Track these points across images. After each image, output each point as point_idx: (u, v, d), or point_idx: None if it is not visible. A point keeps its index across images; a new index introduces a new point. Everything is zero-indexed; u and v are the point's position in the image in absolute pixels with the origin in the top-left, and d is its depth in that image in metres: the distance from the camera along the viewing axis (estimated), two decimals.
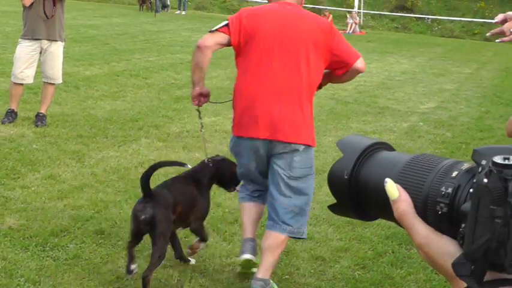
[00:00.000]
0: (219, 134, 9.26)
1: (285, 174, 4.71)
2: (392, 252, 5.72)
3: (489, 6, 38.60)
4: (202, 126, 5.80)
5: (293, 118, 4.67)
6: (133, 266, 4.56)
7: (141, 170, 7.23)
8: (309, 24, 4.77)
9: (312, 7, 36.42)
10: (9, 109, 8.99)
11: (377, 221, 6.11)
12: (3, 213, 5.79)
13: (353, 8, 34.67)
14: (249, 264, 4.94)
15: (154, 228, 4.54)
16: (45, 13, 8.72)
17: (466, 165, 0.94)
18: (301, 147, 4.68)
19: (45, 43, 8.88)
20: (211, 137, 9.10)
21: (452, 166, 0.96)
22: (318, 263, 5.40)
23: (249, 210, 5.05)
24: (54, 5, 8.79)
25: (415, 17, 36.77)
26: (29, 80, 9.01)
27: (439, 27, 36.30)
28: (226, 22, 4.93)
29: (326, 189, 7.20)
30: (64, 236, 5.43)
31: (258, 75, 4.74)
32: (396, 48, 24.64)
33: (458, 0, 40.25)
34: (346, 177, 1.04)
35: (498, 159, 0.87)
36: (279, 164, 4.71)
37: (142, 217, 4.54)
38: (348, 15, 33.42)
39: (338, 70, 4.84)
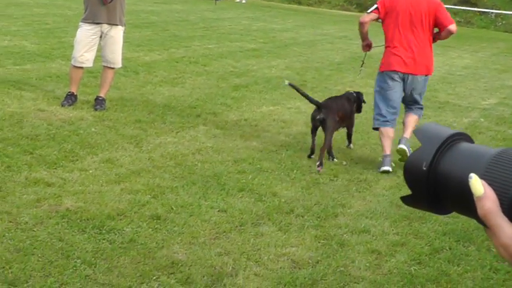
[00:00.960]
0: (277, 124, 9.22)
1: (418, 93, 7.94)
2: (450, 248, 5.62)
3: None
4: (362, 64, 9.33)
5: (422, 59, 7.74)
6: (312, 156, 7.63)
7: (199, 157, 7.28)
8: (427, 2, 7.65)
9: None
10: (69, 92, 9.06)
11: (434, 217, 6.05)
12: (61, 194, 5.83)
13: None
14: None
15: (325, 125, 7.47)
16: (103, 1, 8.77)
17: None
18: (424, 76, 7.85)
19: (105, 27, 8.92)
20: (269, 126, 9.07)
21: None
22: (374, 256, 5.33)
23: (386, 133, 7.76)
24: None
25: (478, 12, 36.19)
26: (89, 64, 9.07)
27: (503, 22, 35.69)
28: (376, 6, 7.82)
29: (383, 182, 7.14)
30: (120, 219, 5.45)
31: (401, 37, 7.71)
32: (458, 43, 24.25)
33: None
34: (424, 168, 0.99)
35: None
36: (412, 90, 7.85)
37: (317, 117, 7.52)
38: None
39: (440, 29, 7.73)
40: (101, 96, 9.05)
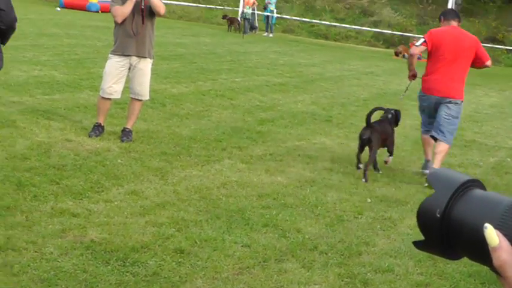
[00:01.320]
0: (302, 159, 9.22)
1: (448, 113, 8.99)
2: None
3: None
4: (406, 90, 10.63)
5: (456, 87, 9.02)
6: (360, 165, 8.78)
7: (223, 191, 7.29)
8: (469, 39, 9.07)
9: (401, 34, 36.24)
10: (97, 123, 9.14)
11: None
12: (86, 226, 5.86)
13: None
14: None
15: (370, 143, 8.66)
16: (133, 30, 8.87)
17: None
18: (457, 101, 9.03)
19: (134, 59, 9.01)
20: (294, 161, 9.07)
21: None
22: None
23: (428, 140, 9.33)
24: (142, 23, 8.93)
25: (506, 50, 36.11)
26: (117, 95, 9.16)
27: None
28: (423, 40, 9.07)
29: (408, 221, 7.10)
30: (144, 252, 5.47)
31: (443, 67, 8.91)
32: (485, 81, 24.18)
33: None
34: (438, 215, 1.00)
35: None
36: (445, 109, 9.00)
37: (364, 137, 8.68)
38: None
39: (477, 63, 9.09)
40: (127, 128, 9.12)
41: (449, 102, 8.97)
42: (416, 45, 9.23)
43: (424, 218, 1.03)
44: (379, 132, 8.83)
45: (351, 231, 6.61)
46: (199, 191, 7.25)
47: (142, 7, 8.88)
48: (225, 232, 6.12)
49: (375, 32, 37.71)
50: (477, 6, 42.62)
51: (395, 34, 36.94)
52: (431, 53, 9.02)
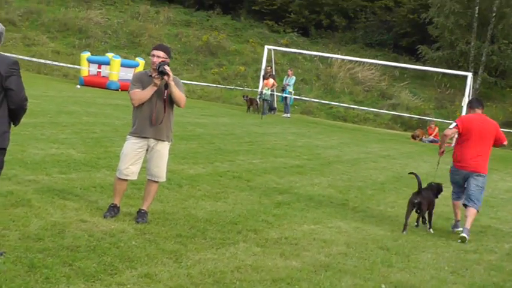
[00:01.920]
0: (317, 243, 9.18)
1: (476, 184, 11.13)
2: None
3: None
4: (438, 164, 12.46)
5: (482, 163, 11.17)
6: (404, 232, 10.60)
7: (237, 275, 7.26)
8: (491, 124, 11.39)
9: (419, 118, 36.38)
10: (112, 204, 9.17)
11: None
12: None
13: None
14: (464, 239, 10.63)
15: (420, 207, 10.91)
16: (154, 119, 8.94)
17: None
18: (483, 174, 11.17)
19: (152, 141, 9.08)
20: (309, 245, 9.03)
21: None
22: None
23: (458, 205, 11.50)
24: (164, 112, 9.02)
25: None
26: (134, 177, 9.21)
27: None
28: (455, 124, 11.35)
29: None
30: None
31: (471, 146, 11.14)
32: (501, 165, 24.17)
33: None
34: None
35: None
36: (473, 180, 11.16)
37: (415, 201, 10.83)
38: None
39: (497, 143, 11.36)
40: (143, 209, 9.14)
41: (478, 175, 11.17)
42: (450, 128, 11.63)
43: None
44: (426, 198, 11.05)
45: None
46: (213, 274, 7.21)
47: (165, 97, 9.00)
48: None
49: (393, 114, 37.89)
50: (494, 90, 42.88)
51: (413, 117, 37.08)
52: (462, 135, 11.31)
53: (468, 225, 10.84)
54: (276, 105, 36.09)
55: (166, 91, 8.93)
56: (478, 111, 11.45)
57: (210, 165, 14.66)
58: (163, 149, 9.14)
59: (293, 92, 36.01)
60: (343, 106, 38.77)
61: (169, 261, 7.47)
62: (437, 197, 11.47)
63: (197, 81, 39.80)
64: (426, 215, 11.22)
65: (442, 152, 11.69)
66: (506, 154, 30.87)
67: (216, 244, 8.43)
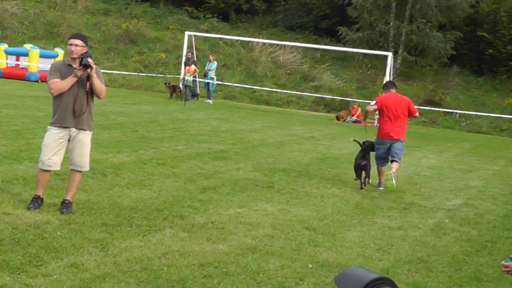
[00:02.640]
0: (244, 226, 9.23)
1: (399, 148, 13.80)
2: None
3: None
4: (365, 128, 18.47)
5: (400, 132, 13.79)
6: (364, 186, 13.51)
7: (164, 261, 7.25)
8: (403, 100, 13.96)
9: (341, 99, 36.79)
10: (36, 195, 9.05)
11: None
12: None
13: None
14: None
15: (366, 168, 13.50)
16: (75, 110, 8.85)
17: None
18: (402, 140, 13.80)
19: (73, 131, 8.97)
20: (235, 228, 9.08)
21: None
22: None
23: (382, 170, 13.75)
24: (87, 102, 8.94)
25: (443, 112, 36.90)
26: (56, 167, 9.09)
27: (467, 122, 36.39)
28: (375, 101, 14.01)
29: None
30: None
31: (391, 120, 13.67)
32: (424, 143, 24.65)
33: (486, 96, 40.46)
34: None
35: None
36: (396, 145, 13.72)
37: (362, 163, 13.44)
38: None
39: (410, 115, 14.02)
40: (67, 200, 9.04)
41: (399, 141, 13.85)
42: (371, 105, 14.37)
43: None
44: (368, 160, 13.63)
45: None
46: (140, 261, 7.20)
47: (87, 89, 8.90)
48: None
49: (315, 97, 38.20)
50: (415, 69, 43.66)
51: (336, 99, 37.49)
52: (381, 111, 13.95)
53: (394, 170, 13.52)
54: (198, 91, 36.02)
55: (88, 82, 8.85)
56: (392, 90, 14.21)
57: (134, 153, 14.57)
58: (85, 138, 9.05)
59: (215, 77, 35.98)
60: (265, 90, 38.92)
61: (96, 250, 7.42)
62: (373, 150, 13.96)
63: (118, 70, 39.43)
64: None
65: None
66: (428, 132, 31.54)
67: (143, 231, 8.40)
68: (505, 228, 10.81)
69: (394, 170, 13.48)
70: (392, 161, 13.80)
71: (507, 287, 7.54)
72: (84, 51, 8.87)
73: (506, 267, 5.54)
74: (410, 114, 14.01)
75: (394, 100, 13.87)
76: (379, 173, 13.93)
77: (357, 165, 13.57)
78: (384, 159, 13.94)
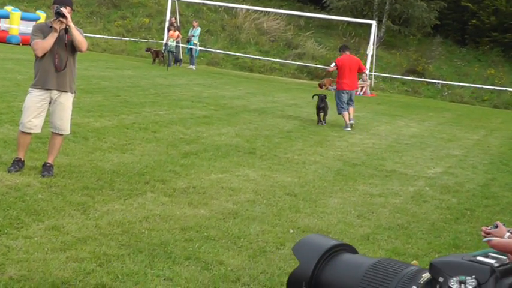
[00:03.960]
0: (225, 191, 9.25)
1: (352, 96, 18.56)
2: None
3: (499, 73, 38.84)
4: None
5: (355, 84, 19.17)
6: (319, 123, 18.13)
7: (146, 225, 7.25)
8: (354, 59, 18.64)
9: (324, 67, 36.75)
10: (16, 158, 9.01)
11: None
12: (5, 263, 5.77)
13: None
14: None
15: (325, 110, 18.16)
16: (56, 65, 8.81)
17: (425, 276, 0.93)
18: (352, 91, 18.58)
19: (55, 93, 8.92)
20: (217, 193, 9.09)
21: (413, 276, 0.95)
22: None
23: (346, 114, 17.90)
24: (66, 58, 8.88)
25: (425, 81, 36.95)
26: (37, 130, 9.05)
27: (449, 92, 36.46)
28: (334, 63, 18.30)
29: None
30: None
31: (347, 76, 18.08)
32: (406, 112, 24.72)
33: (468, 67, 40.53)
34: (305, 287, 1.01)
35: (454, 283, 0.86)
36: (352, 94, 18.45)
37: (321, 106, 18.04)
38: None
39: (359, 71, 19.20)
40: (48, 163, 9.01)
41: (355, 90, 18.50)
42: (331, 66, 18.80)
43: None
44: (326, 103, 17.93)
45: (273, 262, 6.65)
46: (121, 225, 7.20)
47: (66, 42, 8.85)
48: (147, 266, 6.10)
49: (298, 64, 38.14)
50: (398, 39, 43.60)
51: (319, 67, 37.43)
52: (339, 69, 18.07)
53: (352, 116, 18.12)
54: (181, 57, 35.87)
55: (67, 35, 8.79)
56: (347, 53, 18.53)
57: (116, 118, 14.52)
58: (66, 101, 9.00)
59: (198, 43, 35.83)
60: (249, 57, 38.80)
61: (77, 213, 7.42)
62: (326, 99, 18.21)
63: (101, 34, 39.14)
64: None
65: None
66: (410, 101, 31.60)
67: (124, 195, 8.40)
68: (484, 197, 10.89)
69: (351, 111, 18.11)
70: (349, 106, 18.16)
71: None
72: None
73: (487, 234, 5.58)
74: (360, 70, 19.03)
75: (349, 60, 18.28)
76: (344, 117, 17.93)
77: (317, 108, 18.10)
78: (346, 104, 17.98)
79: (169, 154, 11.37)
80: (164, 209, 7.99)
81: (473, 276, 0.84)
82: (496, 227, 5.52)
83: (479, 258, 0.88)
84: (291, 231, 7.77)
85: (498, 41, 41.27)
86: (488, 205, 10.36)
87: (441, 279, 0.87)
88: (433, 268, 0.90)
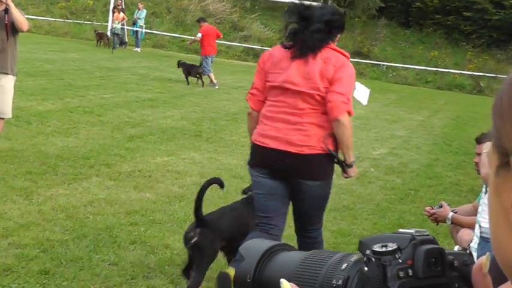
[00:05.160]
0: (171, 174, 9.22)
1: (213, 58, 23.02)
2: None
3: (442, 55, 39.32)
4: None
5: (216, 48, 23.44)
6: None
7: (90, 209, 7.19)
8: (213, 28, 23.52)
9: (261, 48, 36.76)
10: None
11: None
12: None
13: None
14: None
15: (201, 74, 21.11)
16: None
17: (355, 257, 0.97)
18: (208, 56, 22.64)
19: None
20: (163, 177, 9.06)
21: (342, 259, 0.98)
22: None
23: (212, 75, 21.64)
24: (7, 39, 8.71)
25: (370, 63, 37.23)
26: None
27: (394, 74, 36.80)
28: (201, 34, 22.36)
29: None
30: (7, 275, 5.33)
31: (211, 42, 22.67)
32: None
33: (413, 49, 40.95)
34: (249, 280, 1.08)
35: (377, 247, 0.91)
36: (214, 57, 22.96)
37: (199, 71, 21.32)
38: None
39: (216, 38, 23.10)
40: None
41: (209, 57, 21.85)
42: (198, 36, 21.95)
43: (238, 282, 1.10)
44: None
45: None
46: (65, 210, 7.13)
47: (6, 22, 8.69)
48: (92, 251, 6.05)
49: (245, 47, 38.10)
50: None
51: (265, 49, 37.40)
52: (205, 37, 21.56)
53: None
54: (127, 40, 35.55)
55: (7, 15, 8.62)
56: (206, 23, 22.72)
57: (60, 101, 14.34)
58: (6, 83, 8.82)
59: (144, 25, 35.55)
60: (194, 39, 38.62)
61: (20, 198, 7.32)
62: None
63: (44, 16, 38.54)
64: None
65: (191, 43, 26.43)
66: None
67: (68, 180, 8.31)
68: (427, 177, 11.03)
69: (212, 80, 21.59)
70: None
71: (429, 233, 7.70)
72: None
73: (432, 214, 5.68)
74: (218, 36, 23.16)
75: (210, 29, 22.64)
76: (210, 77, 21.42)
77: (191, 72, 21.40)
78: (210, 67, 21.34)
79: (115, 138, 11.28)
80: (109, 193, 7.94)
81: (395, 243, 0.90)
82: (441, 206, 5.65)
83: (401, 230, 0.95)
84: None
85: (441, 23, 41.78)
86: (431, 185, 10.49)
87: (368, 252, 0.92)
88: (361, 245, 0.94)
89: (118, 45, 33.69)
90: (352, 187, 9.78)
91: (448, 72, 35.69)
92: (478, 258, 0.91)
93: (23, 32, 8.91)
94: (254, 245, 1.11)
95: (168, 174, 9.27)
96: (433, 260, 0.93)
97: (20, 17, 8.69)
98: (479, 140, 5.15)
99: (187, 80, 21.42)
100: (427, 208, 5.80)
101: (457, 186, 10.67)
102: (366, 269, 0.90)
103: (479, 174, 4.89)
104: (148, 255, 6.13)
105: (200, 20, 23.34)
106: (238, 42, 38.60)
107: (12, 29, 8.78)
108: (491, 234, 0.87)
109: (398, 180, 10.65)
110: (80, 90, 16.53)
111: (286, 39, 5.06)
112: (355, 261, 0.96)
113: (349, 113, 4.97)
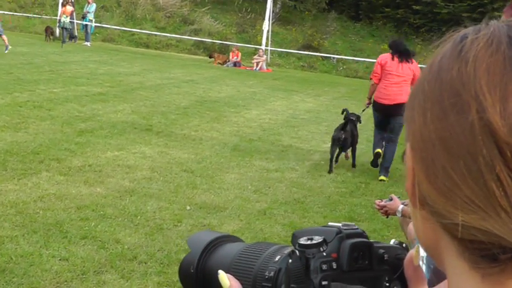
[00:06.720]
0: (121, 169, 9.19)
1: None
2: None
3: None
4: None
5: None
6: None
7: (40, 205, 7.15)
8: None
9: (221, 43, 36.77)
10: None
11: None
12: None
13: (261, 45, 35.05)
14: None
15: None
16: None
17: (288, 249, 1.01)
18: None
19: None
20: (113, 171, 9.03)
21: (277, 251, 1.02)
22: None
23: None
24: None
25: (321, 56, 37.40)
26: None
27: (344, 67, 37.03)
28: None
29: (227, 226, 7.25)
30: None
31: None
32: (302, 87, 24.98)
33: (363, 42, 41.24)
34: (192, 271, 1.11)
35: (302, 240, 0.95)
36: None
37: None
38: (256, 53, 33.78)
39: None
40: None
41: None
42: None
43: (182, 274, 1.15)
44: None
45: (170, 239, 6.68)
46: (15, 205, 7.08)
47: None
48: (42, 246, 6.03)
49: (195, 40, 38.02)
50: (294, 14, 43.95)
51: (215, 43, 37.40)
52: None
53: None
54: (76, 34, 35.24)
55: None
56: None
57: (8, 96, 14.18)
58: None
59: (94, 19, 35.27)
60: (145, 33, 38.44)
61: None
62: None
63: None
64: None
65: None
66: (306, 76, 31.95)
67: (18, 175, 8.25)
68: (378, 170, 11.15)
69: None
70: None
71: (379, 225, 7.82)
72: None
73: (382, 207, 5.77)
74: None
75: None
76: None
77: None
78: None
79: (64, 132, 11.20)
80: (59, 188, 7.90)
81: (322, 236, 0.94)
82: (391, 199, 5.74)
83: (330, 223, 0.99)
84: (188, 207, 7.80)
85: (391, 16, 42.12)
86: (382, 178, 10.62)
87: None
88: (293, 237, 0.98)
89: (68, 40, 33.37)
90: (303, 180, 9.87)
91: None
92: None
93: None
94: (199, 237, 1.14)
95: (119, 168, 9.25)
96: (361, 253, 0.96)
97: None
98: None
99: None
100: (377, 201, 5.88)
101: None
102: (290, 261, 0.94)
103: None
104: (99, 250, 6.13)
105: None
106: (188, 36, 38.49)
107: None
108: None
109: (349, 173, 10.77)
110: (30, 84, 16.36)
111: None
112: (287, 253, 1.00)
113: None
